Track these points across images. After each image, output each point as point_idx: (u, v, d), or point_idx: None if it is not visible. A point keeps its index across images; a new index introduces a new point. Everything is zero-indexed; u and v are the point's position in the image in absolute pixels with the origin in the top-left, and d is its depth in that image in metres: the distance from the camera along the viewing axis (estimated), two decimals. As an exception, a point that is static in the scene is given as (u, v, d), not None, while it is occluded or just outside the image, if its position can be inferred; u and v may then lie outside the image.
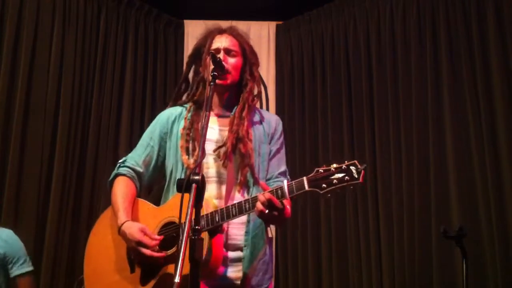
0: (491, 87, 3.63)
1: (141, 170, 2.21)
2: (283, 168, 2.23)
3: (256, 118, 2.23)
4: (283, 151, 2.26)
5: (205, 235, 1.86)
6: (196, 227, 1.52)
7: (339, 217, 4.25)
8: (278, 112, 4.71)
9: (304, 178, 1.80)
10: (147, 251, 1.92)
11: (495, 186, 3.48)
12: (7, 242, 2.97)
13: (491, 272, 3.41)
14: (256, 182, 2.09)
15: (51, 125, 3.95)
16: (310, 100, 4.66)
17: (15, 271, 2.96)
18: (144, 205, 2.15)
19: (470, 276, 2.78)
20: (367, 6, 4.42)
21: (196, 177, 1.54)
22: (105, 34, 4.42)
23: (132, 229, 1.97)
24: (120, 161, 2.24)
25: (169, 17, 4.95)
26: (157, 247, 1.95)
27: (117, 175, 2.20)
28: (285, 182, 1.83)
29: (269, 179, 2.18)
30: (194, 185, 1.53)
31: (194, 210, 1.53)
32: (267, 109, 2.44)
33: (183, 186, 1.54)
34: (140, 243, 1.93)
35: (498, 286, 3.35)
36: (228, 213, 1.88)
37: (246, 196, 2.05)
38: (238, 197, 2.05)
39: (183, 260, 1.40)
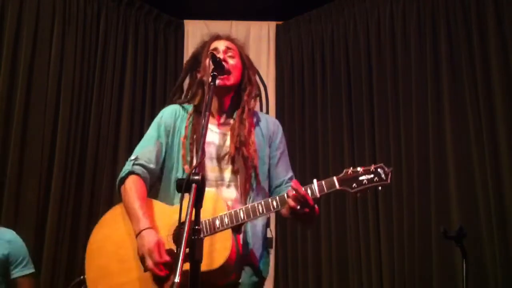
0: (491, 87, 3.63)
1: (153, 166, 2.15)
2: (291, 173, 2.25)
3: (255, 121, 2.23)
4: (286, 154, 2.28)
5: (229, 233, 1.88)
6: (196, 227, 1.52)
7: (339, 217, 4.25)
8: (278, 112, 4.72)
9: (334, 177, 1.88)
10: (151, 264, 1.90)
11: (495, 186, 3.48)
12: (10, 243, 2.92)
13: (491, 272, 3.41)
14: (258, 184, 2.09)
15: (51, 125, 3.95)
16: (310, 100, 4.66)
17: (17, 272, 2.91)
18: (157, 204, 2.10)
19: (470, 276, 2.79)
20: (367, 6, 4.41)
21: (196, 177, 1.54)
22: (105, 34, 4.42)
23: (151, 238, 1.94)
24: (132, 158, 2.16)
25: (169, 17, 4.95)
26: (161, 266, 1.91)
27: (130, 172, 2.12)
28: (315, 181, 1.88)
29: (279, 185, 2.19)
30: (194, 185, 1.54)
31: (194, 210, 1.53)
32: (267, 109, 2.43)
33: (183, 186, 1.54)
34: (151, 254, 1.90)
35: (498, 286, 3.35)
36: (254, 211, 1.90)
37: (252, 200, 2.05)
38: (247, 200, 2.05)
39: (183, 260, 1.40)
